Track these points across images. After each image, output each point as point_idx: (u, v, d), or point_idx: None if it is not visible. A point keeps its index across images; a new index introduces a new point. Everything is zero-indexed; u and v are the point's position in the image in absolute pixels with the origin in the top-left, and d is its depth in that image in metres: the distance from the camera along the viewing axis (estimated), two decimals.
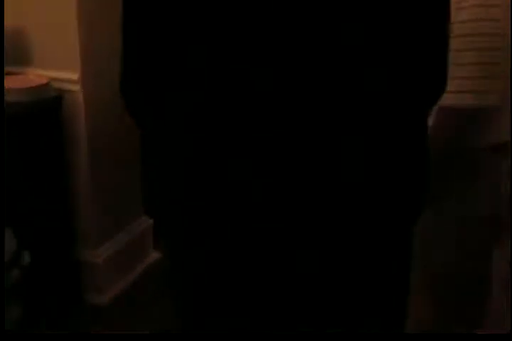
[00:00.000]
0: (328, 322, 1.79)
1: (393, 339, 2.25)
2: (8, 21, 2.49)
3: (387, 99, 1.41)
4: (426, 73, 1.44)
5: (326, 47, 1.36)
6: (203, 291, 2.20)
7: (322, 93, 1.39)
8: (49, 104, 2.46)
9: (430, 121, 1.62)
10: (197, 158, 1.91)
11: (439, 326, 2.00)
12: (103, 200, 2.77)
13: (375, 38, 1.35)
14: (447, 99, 1.61)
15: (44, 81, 2.45)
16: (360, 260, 1.64)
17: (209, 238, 2.09)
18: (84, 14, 2.46)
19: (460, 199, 1.91)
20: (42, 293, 2.25)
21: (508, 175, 1.93)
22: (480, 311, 2.04)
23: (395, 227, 1.59)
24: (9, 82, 2.41)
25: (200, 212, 2.12)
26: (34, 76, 2.50)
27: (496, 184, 1.94)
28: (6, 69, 2.52)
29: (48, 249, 2.36)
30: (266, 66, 1.41)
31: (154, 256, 3.12)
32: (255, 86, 1.45)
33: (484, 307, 2.04)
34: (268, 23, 1.38)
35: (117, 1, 2.55)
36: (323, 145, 1.44)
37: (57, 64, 2.53)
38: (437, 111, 1.74)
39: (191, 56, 1.57)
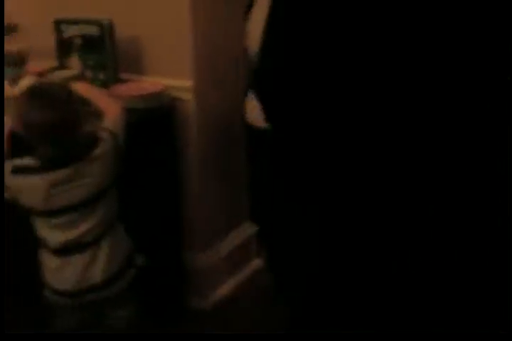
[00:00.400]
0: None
1: (395, 339, 2.25)
2: (124, 31, 2.58)
3: None
4: None
5: None
6: (311, 299, 2.23)
7: None
8: (163, 112, 2.53)
9: None
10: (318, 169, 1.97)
11: None
12: (210, 207, 2.82)
13: None
14: None
15: (158, 89, 2.51)
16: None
17: (315, 251, 2.12)
18: (198, 23, 2.52)
19: None
20: (149, 294, 2.30)
21: None
22: None
23: None
24: (125, 90, 2.50)
25: (305, 224, 2.15)
26: (149, 84, 2.57)
27: None
28: (122, 76, 2.61)
29: (157, 253, 2.41)
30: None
31: (257, 263, 3.14)
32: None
33: None
34: None
35: (232, 11, 2.62)
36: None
37: (171, 72, 2.59)
38: None
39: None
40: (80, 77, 2.53)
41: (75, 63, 2.63)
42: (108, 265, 2.06)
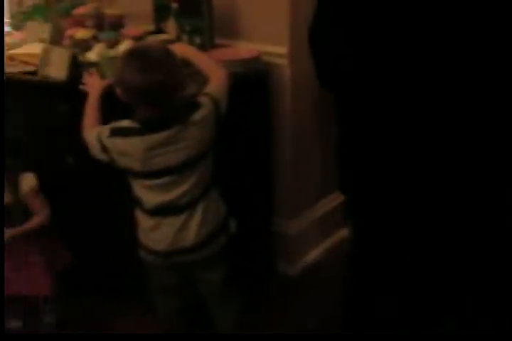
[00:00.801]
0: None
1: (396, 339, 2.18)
2: None
3: None
4: None
5: None
6: (381, 272, 2.19)
7: None
8: (258, 77, 2.52)
9: None
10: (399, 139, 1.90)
11: None
12: (301, 175, 2.82)
13: None
14: None
15: (254, 54, 2.50)
16: None
17: (398, 224, 2.08)
18: None
19: None
20: (239, 259, 2.31)
21: None
22: None
23: None
24: (220, 54, 2.50)
25: (394, 196, 2.10)
26: (244, 49, 2.56)
27: None
28: (218, 41, 2.61)
29: (248, 218, 2.43)
30: None
31: (344, 232, 3.12)
32: None
33: None
34: None
35: None
36: None
37: (266, 38, 2.58)
38: None
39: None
40: (176, 42, 2.54)
41: (171, 27, 2.64)
42: (201, 229, 2.07)
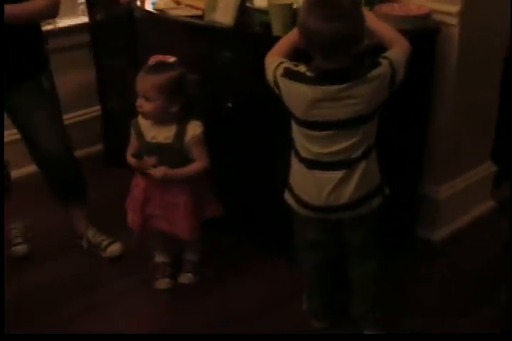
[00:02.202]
0: None
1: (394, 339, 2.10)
2: None
3: None
4: None
5: None
6: None
7: None
8: (425, 36, 2.43)
9: None
10: None
11: None
12: (457, 141, 2.74)
13: None
14: None
15: (425, 11, 2.42)
16: None
17: None
18: None
19: None
20: (384, 222, 2.27)
21: None
22: None
23: None
24: (390, 9, 2.43)
25: None
26: (414, 5, 2.48)
27: None
28: None
29: (397, 182, 2.37)
30: None
31: (490, 204, 3.03)
32: None
33: None
34: None
35: None
36: None
37: None
38: None
39: None
40: None
41: None
42: (359, 187, 2.03)
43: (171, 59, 2.38)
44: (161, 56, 2.39)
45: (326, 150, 2.00)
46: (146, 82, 2.32)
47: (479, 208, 2.99)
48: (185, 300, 2.56)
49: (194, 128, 2.38)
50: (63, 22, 3.34)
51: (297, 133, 2.04)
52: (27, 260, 2.81)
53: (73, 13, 3.40)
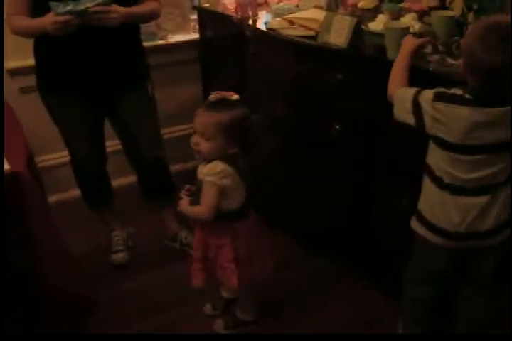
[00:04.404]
0: None
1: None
2: None
3: None
4: None
5: None
6: None
7: None
8: None
9: None
10: None
11: None
12: None
13: None
14: None
15: None
16: None
17: None
18: None
19: None
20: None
21: None
22: None
23: None
24: None
25: None
26: None
27: None
28: None
29: None
30: None
31: None
32: None
33: None
34: None
35: None
36: None
37: None
38: None
39: None
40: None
41: (457, 4, 2.56)
42: (501, 213, 1.96)
43: (234, 96, 2.19)
44: (225, 92, 2.20)
45: (472, 176, 1.92)
46: (205, 119, 2.15)
47: None
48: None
49: (210, 168, 2.16)
50: (174, 37, 3.44)
51: (439, 158, 1.96)
52: (126, 268, 2.88)
53: (184, 29, 3.49)
